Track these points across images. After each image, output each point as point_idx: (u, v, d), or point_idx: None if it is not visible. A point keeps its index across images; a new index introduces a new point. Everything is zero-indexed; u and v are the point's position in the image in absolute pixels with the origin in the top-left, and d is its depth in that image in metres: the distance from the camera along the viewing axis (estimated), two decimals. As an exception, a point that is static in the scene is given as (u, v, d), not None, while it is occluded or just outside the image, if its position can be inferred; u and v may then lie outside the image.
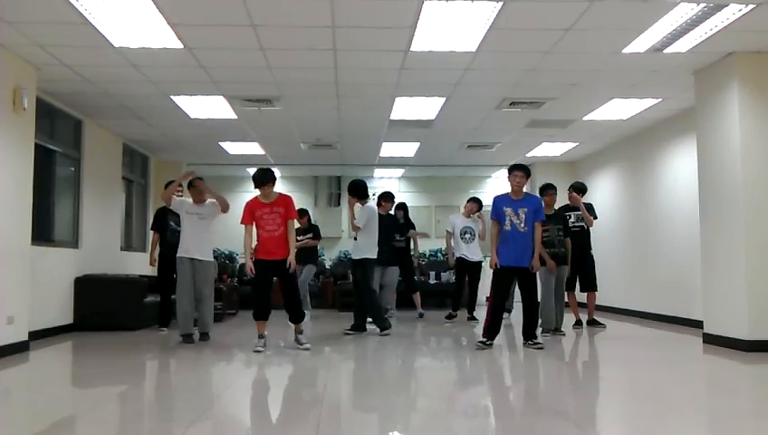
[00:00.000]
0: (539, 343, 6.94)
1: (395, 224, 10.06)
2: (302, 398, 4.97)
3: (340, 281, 12.65)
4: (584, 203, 8.90)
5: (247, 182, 15.83)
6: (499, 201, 7.03)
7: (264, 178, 6.79)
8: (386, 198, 9.79)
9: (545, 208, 8.22)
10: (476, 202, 10.30)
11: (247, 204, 6.91)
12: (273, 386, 5.63)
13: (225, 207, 7.80)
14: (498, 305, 6.98)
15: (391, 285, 9.89)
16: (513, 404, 4.77)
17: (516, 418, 4.28)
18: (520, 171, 6.98)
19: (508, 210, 6.89)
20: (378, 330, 8.21)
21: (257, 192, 6.89)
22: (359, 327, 8.31)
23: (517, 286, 7.24)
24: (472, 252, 10.05)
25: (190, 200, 7.86)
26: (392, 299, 10.24)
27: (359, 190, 8.31)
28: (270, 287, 6.98)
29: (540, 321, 8.19)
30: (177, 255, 7.67)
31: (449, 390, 5.33)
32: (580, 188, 9.02)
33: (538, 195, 8.40)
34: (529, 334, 7.01)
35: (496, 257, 6.89)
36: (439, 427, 3.99)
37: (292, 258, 6.75)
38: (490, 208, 7.10)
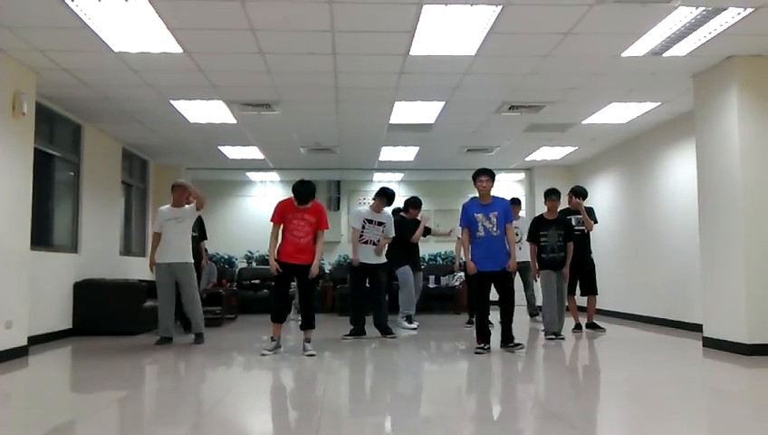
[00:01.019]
0: (519, 344, 6.96)
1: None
2: (302, 402, 4.96)
3: (340, 285, 12.65)
4: (585, 207, 8.91)
5: (247, 186, 15.90)
6: (469, 208, 7.05)
7: (307, 197, 6.70)
8: (414, 204, 9.77)
9: (549, 213, 8.26)
10: None
11: (279, 203, 6.88)
12: (273, 390, 5.63)
13: (201, 205, 7.94)
14: (483, 314, 7.01)
15: (419, 289, 10.01)
16: (514, 409, 4.76)
17: (516, 422, 4.28)
18: (485, 176, 7.00)
19: (479, 216, 6.91)
20: (380, 333, 8.28)
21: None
22: (360, 332, 8.30)
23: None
24: None
25: (166, 207, 7.95)
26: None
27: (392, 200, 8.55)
28: (288, 290, 6.99)
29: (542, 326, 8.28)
30: (156, 260, 7.77)
31: (448, 394, 5.32)
32: (580, 193, 9.02)
33: (543, 199, 8.41)
34: (507, 338, 7.01)
35: (472, 263, 6.92)
36: (439, 431, 3.98)
37: (315, 267, 6.73)
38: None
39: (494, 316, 7.17)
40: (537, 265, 8.20)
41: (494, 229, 6.88)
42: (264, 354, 6.68)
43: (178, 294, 7.80)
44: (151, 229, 8.03)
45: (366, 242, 8.33)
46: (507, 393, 5.39)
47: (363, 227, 8.33)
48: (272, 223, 6.84)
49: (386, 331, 8.27)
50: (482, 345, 6.92)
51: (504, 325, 7.05)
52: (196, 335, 7.79)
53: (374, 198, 8.59)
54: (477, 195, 7.08)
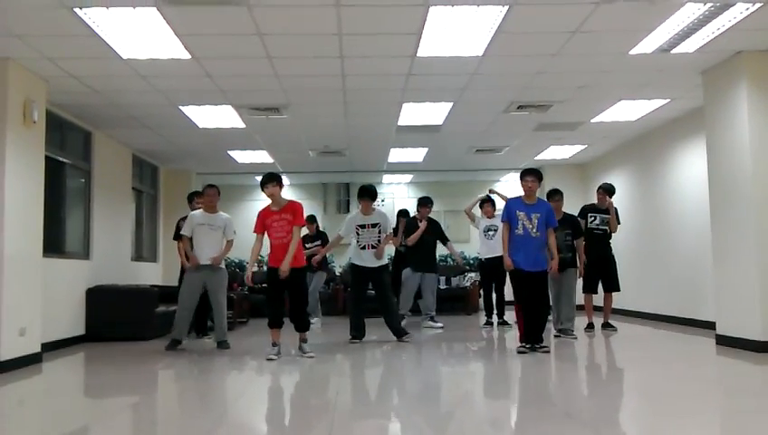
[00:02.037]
0: (545, 347, 6.93)
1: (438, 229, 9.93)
2: (314, 405, 4.96)
3: (351, 288, 12.63)
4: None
5: (257, 191, 15.90)
6: (513, 204, 7.02)
7: (265, 178, 6.85)
8: (423, 203, 9.67)
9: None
10: (490, 201, 10.11)
11: (259, 213, 6.96)
12: (286, 394, 5.63)
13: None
14: (528, 313, 6.91)
15: (432, 290, 9.86)
16: (527, 408, 4.74)
17: (530, 422, 4.26)
18: (531, 176, 6.97)
19: (521, 214, 6.87)
20: (393, 336, 8.21)
21: (268, 200, 6.93)
22: (359, 337, 8.17)
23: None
24: (493, 248, 9.51)
25: (198, 212, 7.92)
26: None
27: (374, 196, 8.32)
28: (283, 295, 6.95)
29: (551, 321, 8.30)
30: (190, 264, 7.74)
31: (461, 395, 5.31)
32: (610, 190, 9.01)
33: (546, 200, 8.39)
34: (536, 338, 6.97)
35: (510, 259, 6.85)
36: (452, 432, 3.97)
37: (285, 267, 6.60)
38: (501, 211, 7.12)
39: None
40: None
41: (534, 230, 6.83)
42: (269, 359, 6.69)
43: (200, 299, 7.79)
44: (182, 232, 7.93)
45: (364, 247, 8.11)
46: (520, 393, 5.37)
47: (358, 234, 8.12)
48: (254, 233, 6.91)
49: (399, 332, 8.20)
50: (524, 344, 6.89)
51: (534, 327, 6.94)
52: (221, 342, 7.71)
53: (359, 201, 8.31)
54: (522, 193, 7.03)
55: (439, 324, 9.72)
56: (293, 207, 6.88)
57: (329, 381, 5.90)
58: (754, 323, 6.65)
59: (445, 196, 15.52)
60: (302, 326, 6.95)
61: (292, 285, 6.80)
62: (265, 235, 6.88)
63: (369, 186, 8.35)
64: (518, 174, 15.02)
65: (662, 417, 4.16)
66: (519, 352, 6.83)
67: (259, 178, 15.54)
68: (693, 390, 5.12)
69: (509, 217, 6.93)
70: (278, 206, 6.85)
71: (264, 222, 6.86)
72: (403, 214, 10.37)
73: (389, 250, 9.17)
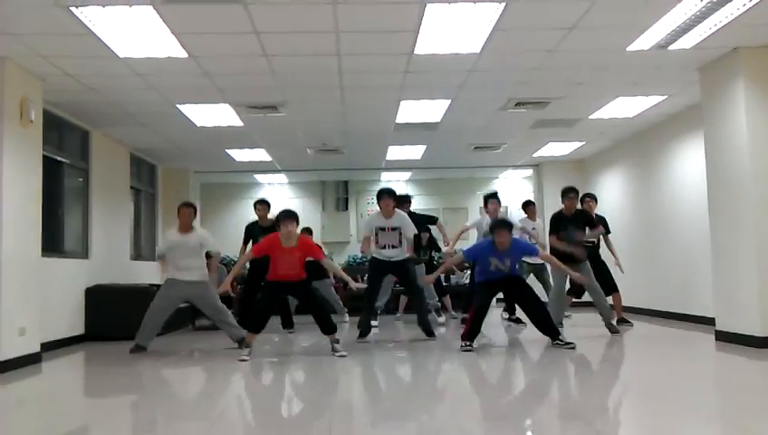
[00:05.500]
0: (571, 344, 6.87)
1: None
2: (314, 405, 4.96)
3: (368, 282, 12.57)
4: (597, 215, 9.08)
5: (255, 188, 15.93)
6: (485, 251, 7.10)
7: (283, 215, 6.74)
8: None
9: (567, 211, 8.23)
10: (496, 198, 9.57)
11: (266, 239, 6.90)
12: (285, 393, 5.63)
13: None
14: (481, 314, 7.04)
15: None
16: (529, 406, 4.74)
17: (532, 420, 4.26)
18: (504, 230, 6.88)
19: (494, 260, 7.00)
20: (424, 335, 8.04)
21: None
22: (365, 334, 8.07)
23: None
24: None
25: (173, 231, 7.63)
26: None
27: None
28: (275, 308, 6.95)
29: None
30: (168, 275, 7.47)
31: (461, 392, 5.31)
32: (596, 197, 9.31)
33: (561, 198, 8.41)
34: (552, 332, 7.02)
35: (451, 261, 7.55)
36: (452, 430, 3.97)
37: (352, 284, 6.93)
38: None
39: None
40: (557, 260, 8.06)
41: (506, 269, 7.01)
42: (242, 360, 6.58)
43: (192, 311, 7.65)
44: (157, 247, 7.77)
45: (384, 247, 7.88)
46: (522, 391, 5.37)
47: (377, 235, 7.88)
48: (247, 246, 6.87)
49: (428, 331, 7.98)
50: (467, 343, 6.92)
51: (544, 326, 7.06)
52: (239, 341, 7.28)
53: (379, 203, 7.96)
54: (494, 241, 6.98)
55: (375, 323, 9.13)
56: (305, 248, 6.84)
57: (327, 380, 5.88)
58: (753, 318, 6.65)
59: (444, 193, 15.55)
60: (330, 328, 6.89)
61: (303, 296, 6.97)
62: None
63: (389, 187, 8.28)
64: (517, 171, 15.05)
65: (663, 414, 4.15)
66: (463, 351, 6.80)
67: (258, 177, 15.63)
68: (694, 387, 5.11)
69: (476, 258, 7.26)
70: (289, 242, 6.73)
71: (268, 252, 6.77)
72: (406, 200, 10.00)
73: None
